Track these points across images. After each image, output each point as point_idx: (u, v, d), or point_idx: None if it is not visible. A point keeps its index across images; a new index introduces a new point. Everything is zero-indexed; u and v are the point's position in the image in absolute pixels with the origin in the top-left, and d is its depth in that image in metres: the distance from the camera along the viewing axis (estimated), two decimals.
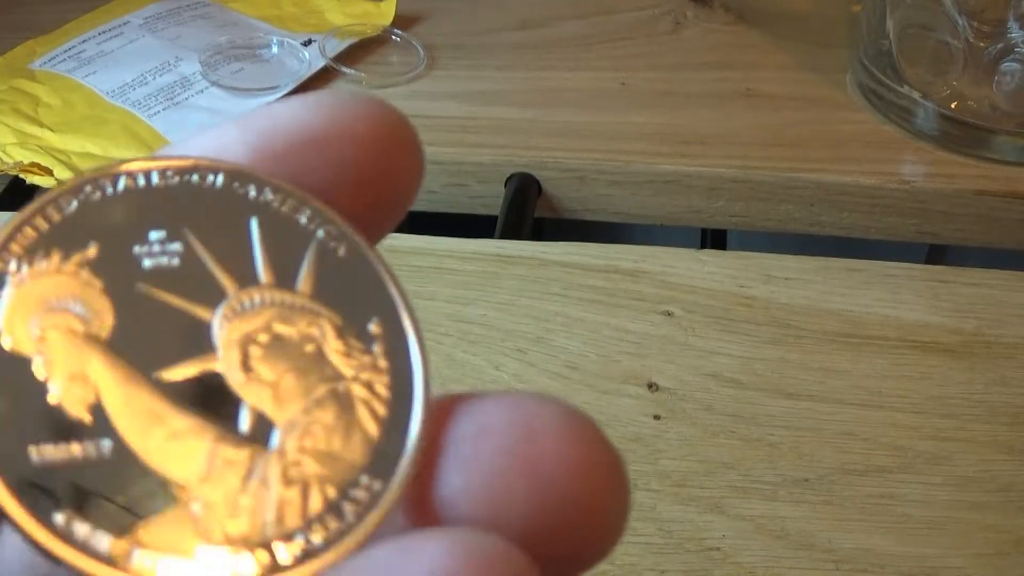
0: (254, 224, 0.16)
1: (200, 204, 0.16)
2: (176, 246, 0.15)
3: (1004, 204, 0.45)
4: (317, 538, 0.14)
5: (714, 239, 0.55)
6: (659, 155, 0.48)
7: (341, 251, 0.16)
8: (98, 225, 0.15)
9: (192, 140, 0.17)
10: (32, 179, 0.45)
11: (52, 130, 0.48)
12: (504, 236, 0.45)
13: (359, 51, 0.55)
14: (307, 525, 0.14)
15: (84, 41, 0.54)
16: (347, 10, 0.58)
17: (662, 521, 0.33)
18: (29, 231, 0.15)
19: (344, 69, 0.53)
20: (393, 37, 0.56)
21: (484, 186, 0.48)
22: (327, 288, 0.16)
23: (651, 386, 0.37)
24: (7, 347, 0.14)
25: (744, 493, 0.34)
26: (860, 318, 0.39)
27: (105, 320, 0.15)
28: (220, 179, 0.16)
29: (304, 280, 0.16)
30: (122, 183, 0.16)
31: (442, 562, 0.13)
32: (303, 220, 0.16)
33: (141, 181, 0.16)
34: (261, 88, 0.51)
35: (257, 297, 0.15)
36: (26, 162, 0.46)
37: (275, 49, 0.54)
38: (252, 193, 0.16)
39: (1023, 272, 0.41)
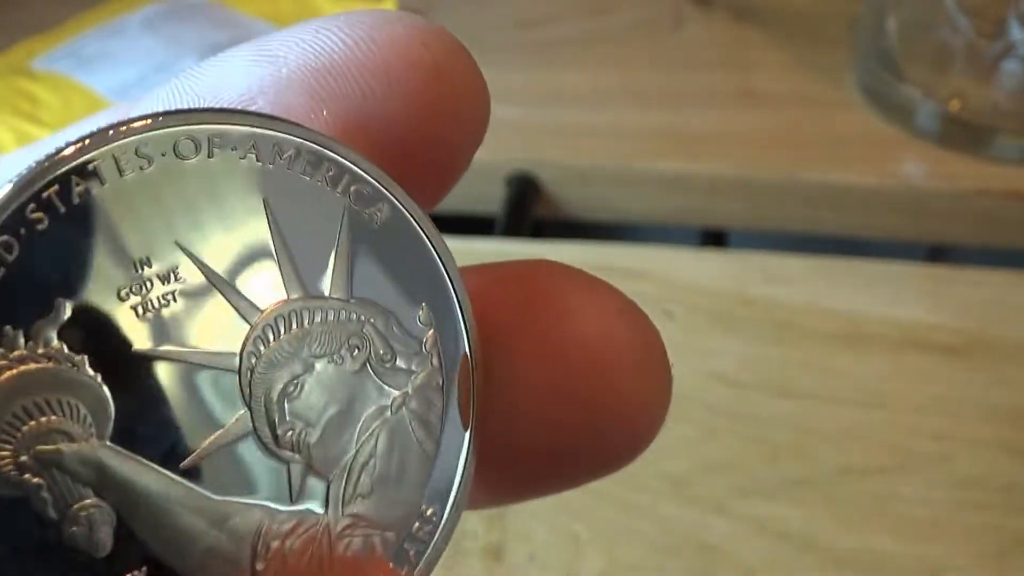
0: (262, 205, 0.12)
1: (186, 196, 0.12)
2: (162, 267, 0.12)
3: (1004, 204, 0.45)
4: None
5: (714, 239, 0.55)
6: (659, 155, 0.48)
7: (379, 217, 0.13)
8: (60, 268, 0.11)
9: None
10: None
11: (51, 129, 0.48)
12: (504, 236, 0.45)
13: None
14: None
15: (83, 40, 0.54)
16: (346, 9, 0.58)
17: (662, 521, 0.33)
18: None
19: None
20: None
21: (484, 186, 0.48)
22: (365, 275, 0.13)
23: None
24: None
25: (744, 493, 0.34)
26: (860, 318, 0.39)
27: (104, 413, 0.11)
28: (206, 148, 0.12)
29: (336, 274, 0.13)
30: (76, 193, 0.11)
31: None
32: (326, 180, 0.12)
33: (104, 180, 0.11)
34: None
35: (282, 324, 0.12)
36: None
37: None
38: (253, 158, 0.12)
39: (1023, 272, 0.41)
